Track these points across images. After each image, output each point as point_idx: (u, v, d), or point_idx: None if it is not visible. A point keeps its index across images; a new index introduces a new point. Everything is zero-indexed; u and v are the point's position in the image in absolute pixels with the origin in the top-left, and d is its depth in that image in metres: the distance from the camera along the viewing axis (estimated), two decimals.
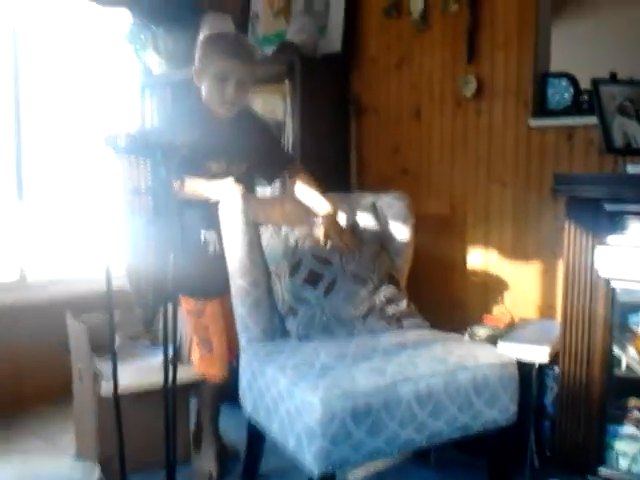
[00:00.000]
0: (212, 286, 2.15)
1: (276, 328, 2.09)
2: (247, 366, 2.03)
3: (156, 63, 3.19)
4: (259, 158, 2.22)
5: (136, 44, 3.15)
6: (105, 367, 2.19)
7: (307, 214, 2.22)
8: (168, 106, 3.24)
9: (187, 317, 2.20)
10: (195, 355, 2.24)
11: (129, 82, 3.34)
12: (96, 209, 2.59)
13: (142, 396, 2.06)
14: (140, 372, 2.21)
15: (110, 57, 3.31)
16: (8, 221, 2.96)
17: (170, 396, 1.64)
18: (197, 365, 2.23)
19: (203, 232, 2.11)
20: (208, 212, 2.06)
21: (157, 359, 2.06)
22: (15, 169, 2.96)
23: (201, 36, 2.16)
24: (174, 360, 1.70)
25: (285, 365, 1.84)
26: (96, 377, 2.16)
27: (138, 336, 2.33)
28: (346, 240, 2.13)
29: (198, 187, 2.01)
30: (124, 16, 3.14)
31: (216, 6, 3.09)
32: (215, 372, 2.21)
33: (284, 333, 2.09)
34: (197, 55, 2.10)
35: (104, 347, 2.20)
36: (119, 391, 1.63)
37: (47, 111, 3.11)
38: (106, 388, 2.10)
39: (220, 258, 2.08)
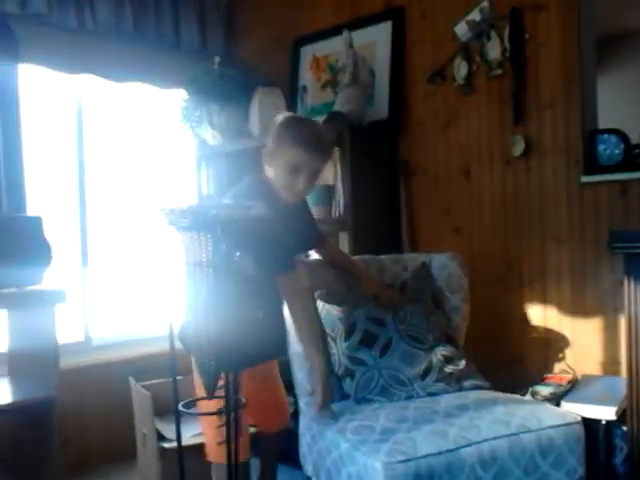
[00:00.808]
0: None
1: (334, 390, 2.10)
2: (307, 429, 2.03)
3: (210, 136, 3.35)
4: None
5: (192, 120, 3.32)
6: (167, 430, 2.23)
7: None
8: (229, 180, 3.36)
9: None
10: (213, 438, 1.96)
11: (186, 155, 3.51)
12: (160, 279, 2.69)
13: (204, 455, 2.08)
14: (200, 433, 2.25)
15: (167, 133, 3.50)
16: (74, 286, 3.10)
17: (232, 456, 1.66)
18: (212, 452, 1.99)
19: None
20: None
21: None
22: (80, 236, 3.13)
23: (279, 118, 2.01)
24: (236, 422, 1.73)
25: (345, 428, 1.85)
26: (159, 439, 2.21)
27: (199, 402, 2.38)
28: (390, 296, 2.18)
29: (305, 326, 1.97)
30: (179, 95, 3.32)
31: (266, 81, 3.24)
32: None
33: (342, 396, 2.09)
34: (272, 136, 1.98)
35: (166, 410, 2.25)
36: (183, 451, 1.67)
37: (111, 183, 3.30)
38: (169, 448, 2.15)
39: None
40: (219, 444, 1.88)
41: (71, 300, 3.07)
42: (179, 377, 1.85)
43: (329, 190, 2.99)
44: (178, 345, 1.76)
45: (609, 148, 2.54)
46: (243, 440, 1.96)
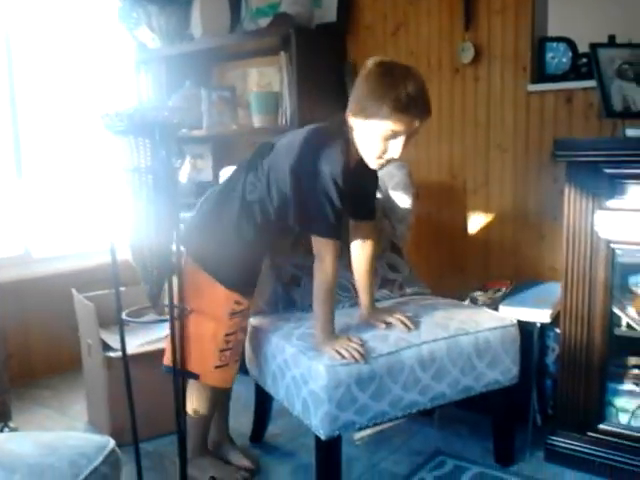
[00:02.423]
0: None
1: (279, 298, 2.12)
2: (252, 336, 2.05)
3: (150, 39, 3.17)
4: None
5: (129, 22, 3.13)
6: (112, 339, 2.23)
7: None
8: (169, 85, 3.22)
9: (227, 318, 1.86)
10: (210, 363, 1.87)
11: (123, 59, 3.33)
12: (97, 187, 2.60)
13: (150, 363, 2.09)
14: (147, 342, 2.27)
15: (102, 35, 3.29)
16: (9, 198, 2.98)
17: (177, 361, 1.67)
18: (211, 375, 1.89)
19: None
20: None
21: (164, 331, 2.10)
22: (13, 147, 2.97)
23: (376, 66, 1.69)
24: (180, 331, 1.74)
25: (291, 334, 1.88)
26: (104, 349, 2.21)
27: (144, 312, 2.37)
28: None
29: (325, 299, 1.77)
30: None
31: None
32: (230, 380, 1.96)
33: (288, 303, 2.11)
34: (368, 88, 1.65)
35: (111, 321, 2.24)
36: (127, 358, 1.67)
37: (43, 91, 3.11)
38: (115, 357, 2.16)
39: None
40: (217, 367, 1.87)
41: (7, 213, 2.98)
42: (122, 288, 1.83)
43: (275, 97, 2.90)
44: (126, 255, 1.73)
45: (557, 57, 2.53)
46: (234, 366, 1.93)
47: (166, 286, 1.67)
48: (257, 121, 2.93)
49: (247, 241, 1.86)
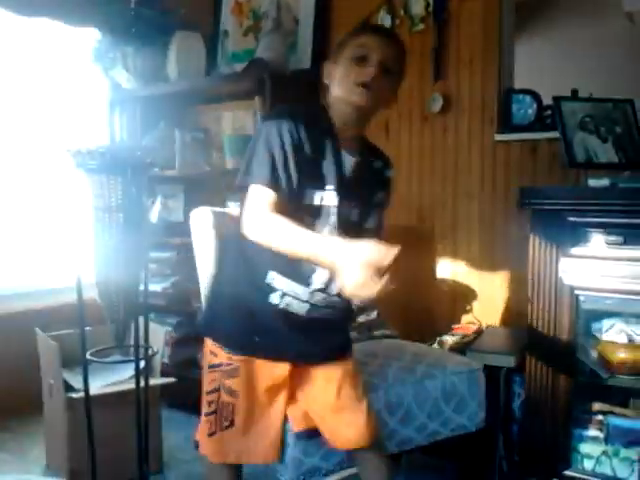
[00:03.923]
0: (265, 342, 1.55)
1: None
2: None
3: (125, 79, 3.20)
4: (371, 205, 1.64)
5: (104, 62, 3.15)
6: (75, 380, 2.18)
7: None
8: (144, 126, 3.23)
9: (207, 371, 1.60)
10: (204, 429, 1.60)
11: (97, 99, 3.34)
12: (67, 225, 2.59)
13: (113, 405, 2.05)
14: (111, 383, 2.21)
15: (77, 74, 3.31)
16: None
17: (142, 405, 1.64)
18: (204, 444, 1.62)
19: (271, 274, 1.51)
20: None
21: (129, 372, 2.06)
22: None
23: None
24: (146, 370, 1.71)
25: None
26: (67, 390, 2.16)
27: (109, 352, 2.33)
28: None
29: (293, 236, 1.37)
30: (92, 35, 3.14)
31: (186, 24, 3.11)
32: (224, 455, 1.59)
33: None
34: (333, 50, 1.60)
35: (74, 361, 2.19)
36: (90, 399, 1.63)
37: (14, 127, 3.10)
38: (77, 398, 2.10)
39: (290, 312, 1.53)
40: (209, 435, 1.58)
41: None
42: (88, 327, 1.81)
43: (249, 140, 2.92)
44: (92, 293, 1.71)
45: (523, 108, 2.62)
46: (229, 438, 1.57)
47: (133, 326, 1.65)
48: (230, 163, 2.95)
49: (230, 273, 1.62)
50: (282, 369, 1.57)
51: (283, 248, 1.39)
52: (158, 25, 3.09)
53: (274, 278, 1.50)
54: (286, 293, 1.51)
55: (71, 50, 3.30)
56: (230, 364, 1.55)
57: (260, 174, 1.42)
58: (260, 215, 1.40)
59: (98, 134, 3.34)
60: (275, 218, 1.39)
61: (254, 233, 1.41)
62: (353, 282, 1.27)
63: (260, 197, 1.41)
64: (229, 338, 1.57)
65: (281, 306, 1.52)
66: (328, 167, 1.50)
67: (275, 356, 1.56)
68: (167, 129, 3.17)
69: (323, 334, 1.59)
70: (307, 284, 1.51)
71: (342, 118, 1.54)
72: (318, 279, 1.51)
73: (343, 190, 1.51)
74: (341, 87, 1.52)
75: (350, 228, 1.52)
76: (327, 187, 1.49)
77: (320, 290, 1.52)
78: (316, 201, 1.49)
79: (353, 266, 1.27)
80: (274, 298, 1.51)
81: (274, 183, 1.41)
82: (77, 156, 1.56)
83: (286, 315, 1.53)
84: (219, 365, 1.58)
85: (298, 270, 1.49)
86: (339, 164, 1.52)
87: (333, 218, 1.51)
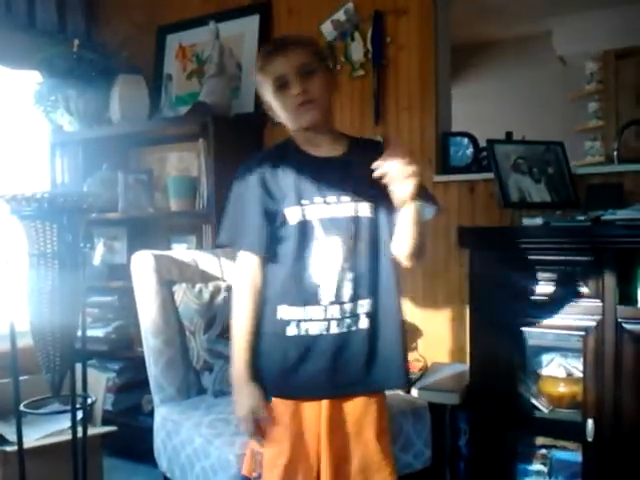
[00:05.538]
0: (296, 381, 1.46)
1: (191, 385, 2.07)
2: (161, 426, 1.98)
3: (67, 122, 3.17)
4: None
5: (46, 104, 3.12)
6: (9, 432, 2.09)
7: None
8: (86, 169, 3.19)
9: None
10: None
11: (38, 142, 3.29)
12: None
13: (50, 458, 1.96)
14: (47, 435, 2.12)
15: (16, 117, 3.26)
16: None
17: (79, 457, 1.58)
18: None
19: (280, 308, 1.47)
20: (285, 286, 1.47)
21: (67, 422, 1.99)
22: None
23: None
24: (84, 420, 1.66)
25: (200, 423, 1.82)
26: (1, 443, 2.06)
27: (46, 402, 2.25)
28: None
29: (236, 330, 1.48)
30: (33, 77, 3.12)
31: (129, 67, 3.12)
32: None
33: (200, 390, 2.07)
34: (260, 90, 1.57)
35: (8, 412, 2.10)
36: (24, 453, 1.57)
37: None
38: (10, 452, 2.00)
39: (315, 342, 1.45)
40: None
41: None
42: (24, 377, 1.74)
43: (193, 182, 2.93)
44: (27, 341, 1.65)
45: (460, 150, 2.71)
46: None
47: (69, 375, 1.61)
48: (174, 205, 2.93)
49: None
50: (315, 408, 1.45)
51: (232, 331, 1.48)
52: (101, 68, 3.10)
53: (284, 311, 1.45)
54: (300, 320, 1.44)
55: (11, 93, 3.26)
56: (271, 409, 1.47)
57: (240, 241, 1.48)
58: (238, 285, 1.50)
59: (39, 178, 3.28)
60: (244, 298, 1.47)
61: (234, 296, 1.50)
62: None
63: (244, 262, 1.48)
64: (265, 383, 1.49)
65: (301, 333, 1.44)
66: (302, 185, 1.47)
67: (308, 395, 1.46)
68: (110, 171, 3.14)
69: (360, 358, 1.46)
70: (317, 302, 1.44)
71: (306, 137, 1.53)
72: (325, 292, 1.44)
73: (328, 195, 1.47)
74: (286, 117, 1.51)
75: (369, 228, 1.47)
76: (303, 202, 1.46)
77: (333, 303, 1.44)
78: (292, 221, 1.45)
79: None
80: (290, 330, 1.44)
81: (253, 246, 1.46)
82: (11, 202, 1.53)
83: (311, 342, 1.44)
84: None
85: (302, 293, 1.44)
86: (315, 176, 1.48)
87: (333, 229, 1.45)
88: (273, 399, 1.47)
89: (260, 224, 1.46)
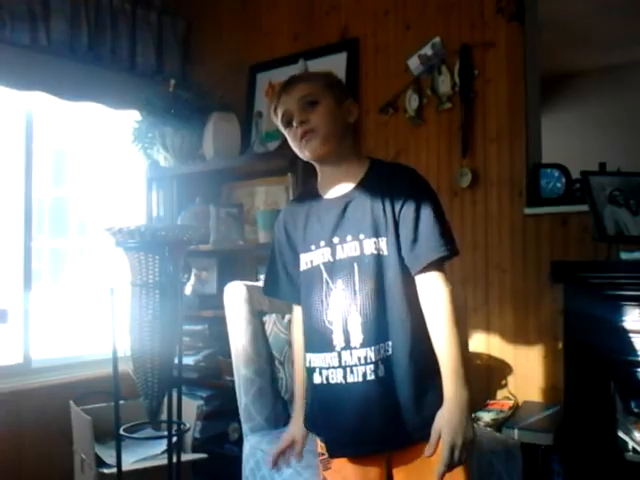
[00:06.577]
0: (338, 436, 1.44)
1: (279, 415, 2.10)
2: (251, 455, 2.01)
3: (163, 157, 3.33)
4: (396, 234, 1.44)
5: (144, 142, 3.30)
6: (107, 455, 2.18)
7: None
8: (180, 203, 3.33)
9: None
10: None
11: (136, 177, 3.48)
12: (104, 300, 2.65)
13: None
14: (143, 459, 2.20)
15: (117, 153, 3.46)
16: (15, 306, 3.01)
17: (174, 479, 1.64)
18: None
19: (308, 356, 1.49)
20: (307, 332, 1.51)
21: (160, 447, 2.06)
22: (23, 258, 3.04)
23: None
24: (178, 446, 1.71)
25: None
26: (98, 465, 2.16)
27: (141, 427, 2.34)
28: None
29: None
30: (131, 116, 3.31)
31: (222, 106, 3.26)
32: None
33: (288, 420, 2.08)
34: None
35: (107, 436, 2.20)
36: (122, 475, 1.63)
37: (58, 203, 3.24)
38: (108, 474, 2.09)
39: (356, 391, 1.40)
40: None
41: (12, 320, 3.00)
42: (122, 401, 1.82)
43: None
44: (127, 367, 1.74)
45: (551, 182, 2.65)
46: None
47: (166, 401, 1.67)
48: (263, 237, 3.01)
49: None
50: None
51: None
52: (196, 106, 3.25)
53: (310, 359, 1.47)
54: (322, 367, 1.43)
55: (112, 131, 3.47)
56: (324, 454, 1.47)
57: (265, 288, 1.63)
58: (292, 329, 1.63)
59: (136, 211, 3.46)
60: (293, 342, 1.60)
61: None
62: None
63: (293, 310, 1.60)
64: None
65: (324, 382, 1.43)
66: (309, 230, 1.51)
67: (332, 452, 1.45)
68: (202, 205, 3.27)
69: (376, 412, 1.39)
70: (332, 348, 1.42)
71: (321, 171, 1.54)
72: (337, 338, 1.42)
73: (333, 237, 1.46)
74: (296, 151, 1.52)
75: (374, 267, 1.41)
76: (311, 247, 1.48)
77: (344, 348, 1.41)
78: (303, 267, 1.49)
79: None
80: (316, 378, 1.45)
81: (291, 297, 1.58)
82: (117, 235, 1.62)
83: (332, 392, 1.42)
84: (319, 455, 1.51)
85: (322, 339, 1.44)
86: (320, 219, 1.49)
87: (337, 271, 1.43)
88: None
89: (279, 273, 1.58)
